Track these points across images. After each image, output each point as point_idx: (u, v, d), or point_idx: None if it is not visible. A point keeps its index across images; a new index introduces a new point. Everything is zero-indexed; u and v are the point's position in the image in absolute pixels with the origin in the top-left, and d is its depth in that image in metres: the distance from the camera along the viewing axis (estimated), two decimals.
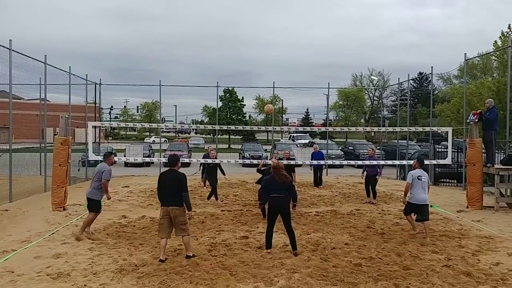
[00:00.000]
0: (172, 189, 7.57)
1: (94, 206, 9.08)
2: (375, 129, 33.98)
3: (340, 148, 33.61)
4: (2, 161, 14.67)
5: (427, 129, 19.94)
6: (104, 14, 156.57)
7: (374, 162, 14.27)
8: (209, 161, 14.12)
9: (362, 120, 68.14)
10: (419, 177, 9.31)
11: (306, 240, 9.08)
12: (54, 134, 14.00)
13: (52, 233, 9.39)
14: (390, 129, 26.52)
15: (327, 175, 22.48)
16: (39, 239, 8.87)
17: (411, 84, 64.15)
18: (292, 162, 15.06)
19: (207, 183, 14.28)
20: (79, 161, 20.05)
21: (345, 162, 22.58)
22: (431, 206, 10.83)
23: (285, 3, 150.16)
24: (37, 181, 16.45)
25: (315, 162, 17.12)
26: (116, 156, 24.44)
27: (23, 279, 6.49)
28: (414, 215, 9.46)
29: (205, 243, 8.73)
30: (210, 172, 13.99)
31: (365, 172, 14.35)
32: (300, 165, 14.90)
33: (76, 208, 12.47)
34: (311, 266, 7.27)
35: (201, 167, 15.15)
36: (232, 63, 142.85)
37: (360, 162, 16.18)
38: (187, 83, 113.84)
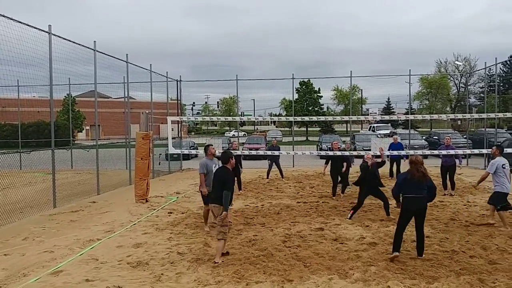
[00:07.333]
0: (217, 187, 7.24)
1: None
2: (459, 115, 31.92)
3: (424, 138, 32.23)
4: (91, 156, 15.56)
5: None
6: (187, 11, 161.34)
7: (452, 152, 13.66)
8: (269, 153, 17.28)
9: (448, 109, 64.66)
10: (504, 166, 9.00)
11: (384, 232, 8.78)
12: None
13: (134, 224, 9.84)
14: (476, 116, 24.63)
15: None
16: (121, 229, 9.33)
17: (501, 69, 60.56)
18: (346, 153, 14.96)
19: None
20: (160, 154, 20.81)
21: (428, 152, 21.45)
22: None
23: None
24: (122, 175, 17.33)
25: (395, 152, 16.59)
26: (197, 149, 25.28)
27: (106, 266, 6.85)
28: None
29: (280, 234, 8.70)
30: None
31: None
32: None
33: (158, 200, 12.97)
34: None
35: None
36: (312, 53, 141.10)
37: (436, 152, 15.32)
38: (267, 76, 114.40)
